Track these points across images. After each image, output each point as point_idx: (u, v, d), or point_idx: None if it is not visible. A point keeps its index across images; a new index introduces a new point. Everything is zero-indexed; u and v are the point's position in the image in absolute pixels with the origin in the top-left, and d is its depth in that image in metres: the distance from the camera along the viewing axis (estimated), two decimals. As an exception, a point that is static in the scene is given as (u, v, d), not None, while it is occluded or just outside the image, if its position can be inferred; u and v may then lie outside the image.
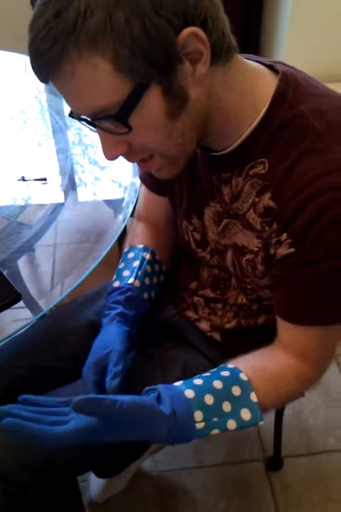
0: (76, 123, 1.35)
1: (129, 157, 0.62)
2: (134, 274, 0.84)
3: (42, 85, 1.57)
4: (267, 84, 0.62)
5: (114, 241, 0.95)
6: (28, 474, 0.79)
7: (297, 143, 0.59)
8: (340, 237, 0.58)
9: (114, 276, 0.87)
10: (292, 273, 0.63)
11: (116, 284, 0.85)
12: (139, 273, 0.85)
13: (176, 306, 0.94)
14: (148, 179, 0.91)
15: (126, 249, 0.91)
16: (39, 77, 0.55)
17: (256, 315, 0.83)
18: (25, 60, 1.65)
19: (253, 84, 0.62)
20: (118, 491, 1.25)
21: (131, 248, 0.90)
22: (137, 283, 0.84)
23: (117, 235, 0.96)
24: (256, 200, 0.65)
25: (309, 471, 1.34)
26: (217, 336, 0.89)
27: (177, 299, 0.93)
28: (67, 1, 0.49)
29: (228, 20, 0.58)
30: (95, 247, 0.95)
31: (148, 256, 0.87)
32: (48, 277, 0.98)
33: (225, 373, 0.66)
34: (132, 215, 1.06)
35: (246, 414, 0.63)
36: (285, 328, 0.70)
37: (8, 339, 0.84)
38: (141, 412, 0.58)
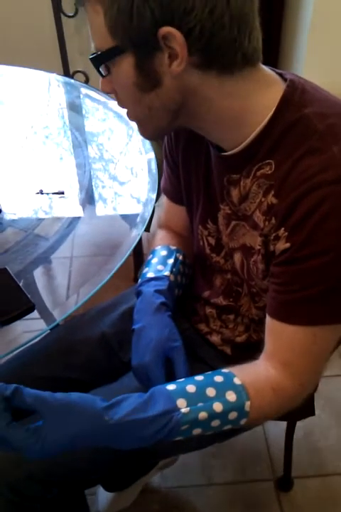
0: (97, 139, 1.40)
1: (117, 101, 0.70)
2: (169, 269, 0.87)
3: (64, 102, 1.62)
4: (276, 91, 0.64)
5: (128, 254, 0.96)
6: (36, 486, 0.80)
7: (301, 143, 0.62)
8: (335, 231, 0.59)
9: (145, 269, 0.89)
10: (286, 269, 0.64)
11: (151, 274, 0.86)
12: (174, 269, 0.88)
13: (188, 319, 0.95)
14: (170, 189, 0.94)
15: (156, 248, 0.93)
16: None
17: None
18: (48, 77, 1.70)
19: (259, 93, 0.65)
20: (126, 506, 1.25)
21: (164, 247, 0.92)
22: (172, 277, 0.86)
23: (131, 248, 0.98)
24: (263, 199, 0.67)
25: (320, 493, 1.32)
26: (227, 350, 0.89)
27: (190, 312, 0.94)
28: None
29: (241, 40, 0.60)
30: (110, 260, 0.96)
31: (180, 256, 0.91)
32: (64, 289, 1.00)
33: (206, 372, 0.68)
34: (147, 229, 1.07)
35: (231, 396, 0.64)
36: (271, 332, 0.70)
37: (20, 349, 0.86)
38: (73, 406, 0.59)
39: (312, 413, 1.07)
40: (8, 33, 2.34)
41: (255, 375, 0.69)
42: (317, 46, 2.02)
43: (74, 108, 1.58)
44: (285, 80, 0.67)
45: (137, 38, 0.59)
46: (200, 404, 0.62)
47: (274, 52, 2.38)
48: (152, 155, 1.24)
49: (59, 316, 0.87)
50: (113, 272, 0.92)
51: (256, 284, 0.75)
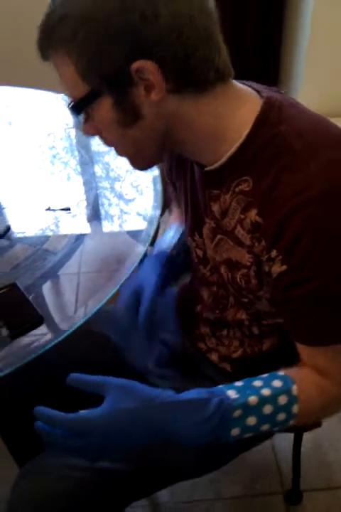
0: (104, 158, 1.43)
1: (103, 141, 0.71)
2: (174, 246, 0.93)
3: (71, 121, 1.66)
4: (252, 109, 0.65)
5: (132, 269, 0.98)
6: None
7: (276, 160, 0.62)
8: (327, 252, 0.59)
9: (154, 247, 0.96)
10: (291, 294, 0.64)
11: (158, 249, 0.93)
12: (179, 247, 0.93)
13: (189, 337, 0.95)
14: (175, 197, 0.96)
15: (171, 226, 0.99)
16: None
17: (260, 341, 0.84)
18: (55, 97, 1.74)
19: (235, 109, 0.65)
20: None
21: (170, 228, 0.99)
22: (174, 252, 0.92)
23: (136, 263, 1.00)
24: (242, 216, 0.67)
25: (329, 506, 1.31)
26: (227, 367, 0.90)
27: (189, 331, 0.95)
28: (55, 5, 0.60)
29: (212, 56, 0.61)
30: (115, 276, 0.98)
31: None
32: (72, 304, 1.02)
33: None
34: (151, 244, 1.09)
35: (277, 383, 0.65)
36: (302, 350, 0.70)
37: (28, 360, 0.87)
38: (133, 384, 0.63)
39: (319, 424, 1.08)
40: (15, 55, 2.41)
41: (297, 371, 0.70)
42: (315, 68, 2.05)
43: (81, 127, 1.61)
44: (262, 96, 0.67)
45: (111, 78, 0.60)
46: (249, 392, 0.64)
47: (273, 75, 2.42)
48: (157, 172, 1.27)
49: (66, 328, 0.89)
50: (118, 285, 0.94)
51: (247, 294, 0.75)
